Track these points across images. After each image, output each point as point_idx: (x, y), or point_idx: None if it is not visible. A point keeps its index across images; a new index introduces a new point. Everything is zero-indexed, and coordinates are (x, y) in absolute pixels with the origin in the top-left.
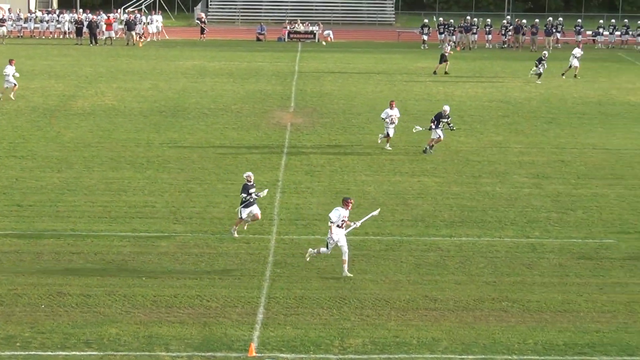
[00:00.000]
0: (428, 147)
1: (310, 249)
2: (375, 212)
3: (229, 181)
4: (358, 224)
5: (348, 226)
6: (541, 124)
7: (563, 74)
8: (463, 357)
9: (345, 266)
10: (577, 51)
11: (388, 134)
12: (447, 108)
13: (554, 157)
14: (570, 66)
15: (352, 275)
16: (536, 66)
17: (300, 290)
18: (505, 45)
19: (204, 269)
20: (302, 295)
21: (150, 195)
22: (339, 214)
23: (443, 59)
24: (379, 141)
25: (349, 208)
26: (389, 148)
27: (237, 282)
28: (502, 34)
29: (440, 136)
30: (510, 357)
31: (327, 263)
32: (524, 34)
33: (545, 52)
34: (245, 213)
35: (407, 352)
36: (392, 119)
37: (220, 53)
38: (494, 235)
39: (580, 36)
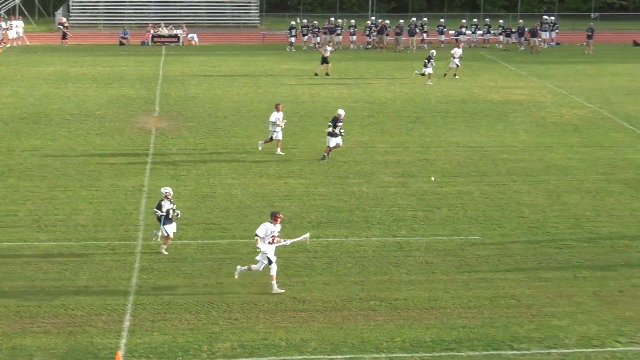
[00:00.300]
0: (326, 155)
1: (239, 266)
2: (306, 236)
3: (93, 188)
4: (289, 242)
5: (278, 242)
6: (406, 123)
7: (445, 74)
8: (332, 357)
9: (274, 282)
10: (457, 51)
11: (272, 138)
12: (341, 112)
13: (419, 156)
14: (457, 65)
15: (283, 290)
16: (425, 65)
17: (167, 296)
18: (370, 46)
19: (68, 278)
20: (169, 301)
21: (12, 204)
22: (266, 229)
23: (324, 60)
24: (278, 150)
25: (278, 222)
26: (281, 153)
27: (103, 290)
28: (367, 35)
29: (338, 143)
30: (378, 356)
31: (194, 268)
32: (387, 35)
33: (433, 50)
34: (168, 231)
35: (276, 354)
36: (279, 121)
37: (83, 58)
38: (361, 235)
39: (443, 36)
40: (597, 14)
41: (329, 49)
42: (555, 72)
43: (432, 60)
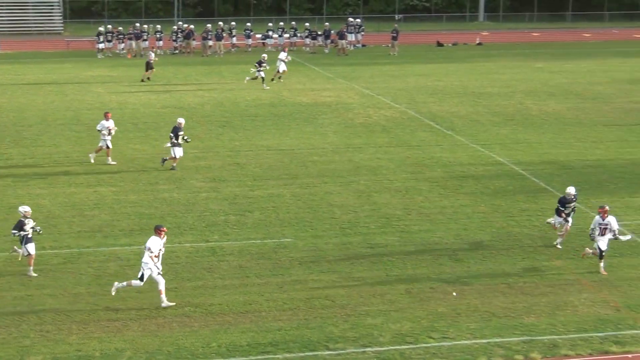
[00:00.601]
0: (169, 163)
1: (116, 282)
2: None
3: None
4: (162, 249)
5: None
6: (215, 128)
7: (272, 79)
8: None
9: (164, 296)
10: (283, 55)
11: (108, 146)
12: (181, 120)
13: (230, 160)
14: (279, 70)
15: (174, 303)
16: (257, 70)
17: None
18: (177, 51)
19: None
20: None
21: None
22: (158, 243)
23: (149, 66)
24: (92, 157)
25: (162, 236)
26: (113, 162)
27: None
28: (173, 40)
29: (175, 156)
30: None
31: (3, 281)
32: (194, 39)
33: (265, 55)
34: (29, 249)
35: None
36: (109, 130)
37: None
38: (174, 242)
39: (250, 40)
40: (401, 16)
41: (153, 54)
42: (362, 74)
43: (263, 64)
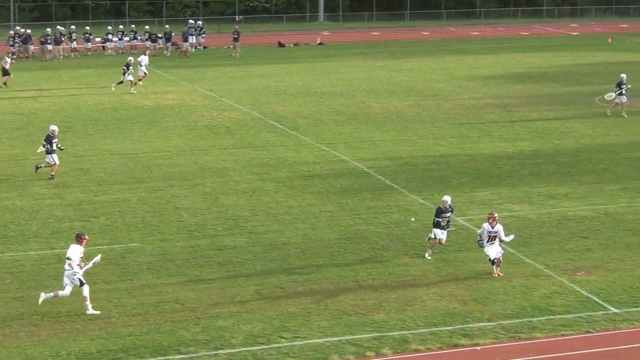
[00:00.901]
0: (46, 170)
1: (42, 293)
2: (97, 258)
3: None
4: (90, 264)
5: (81, 265)
6: (57, 133)
7: (139, 82)
8: None
9: (88, 303)
10: (144, 58)
11: None
12: (54, 128)
13: (73, 166)
14: (145, 74)
15: (99, 312)
16: (124, 74)
17: None
18: (15, 57)
19: None
20: None
21: None
22: (77, 251)
23: (5, 72)
24: None
25: (84, 244)
26: None
27: None
28: (11, 45)
29: (55, 162)
30: None
31: None
32: (32, 44)
33: (131, 57)
34: None
35: None
36: None
37: None
38: (18, 250)
39: (89, 43)
40: (241, 17)
41: (9, 60)
42: (204, 76)
43: (130, 68)
